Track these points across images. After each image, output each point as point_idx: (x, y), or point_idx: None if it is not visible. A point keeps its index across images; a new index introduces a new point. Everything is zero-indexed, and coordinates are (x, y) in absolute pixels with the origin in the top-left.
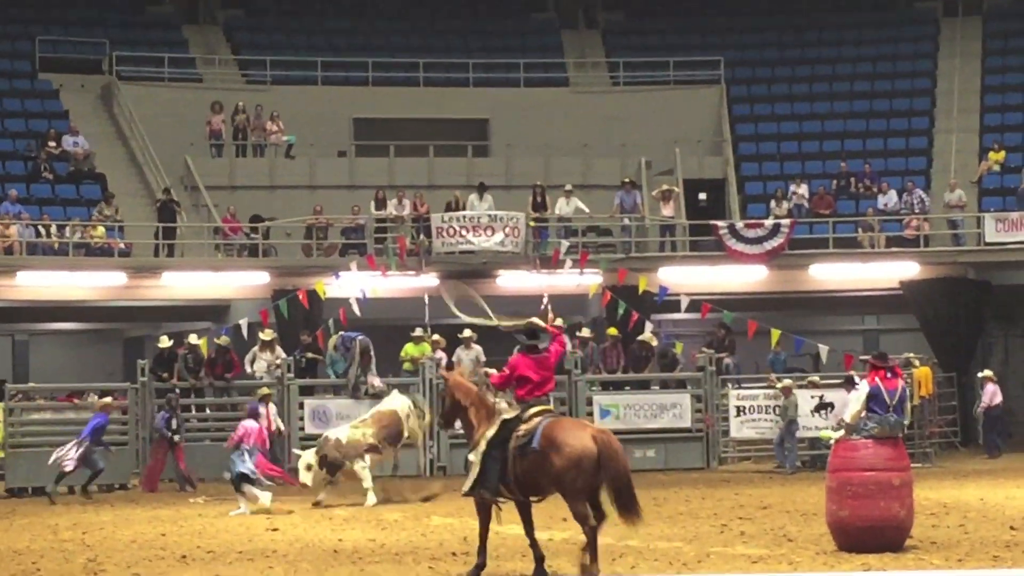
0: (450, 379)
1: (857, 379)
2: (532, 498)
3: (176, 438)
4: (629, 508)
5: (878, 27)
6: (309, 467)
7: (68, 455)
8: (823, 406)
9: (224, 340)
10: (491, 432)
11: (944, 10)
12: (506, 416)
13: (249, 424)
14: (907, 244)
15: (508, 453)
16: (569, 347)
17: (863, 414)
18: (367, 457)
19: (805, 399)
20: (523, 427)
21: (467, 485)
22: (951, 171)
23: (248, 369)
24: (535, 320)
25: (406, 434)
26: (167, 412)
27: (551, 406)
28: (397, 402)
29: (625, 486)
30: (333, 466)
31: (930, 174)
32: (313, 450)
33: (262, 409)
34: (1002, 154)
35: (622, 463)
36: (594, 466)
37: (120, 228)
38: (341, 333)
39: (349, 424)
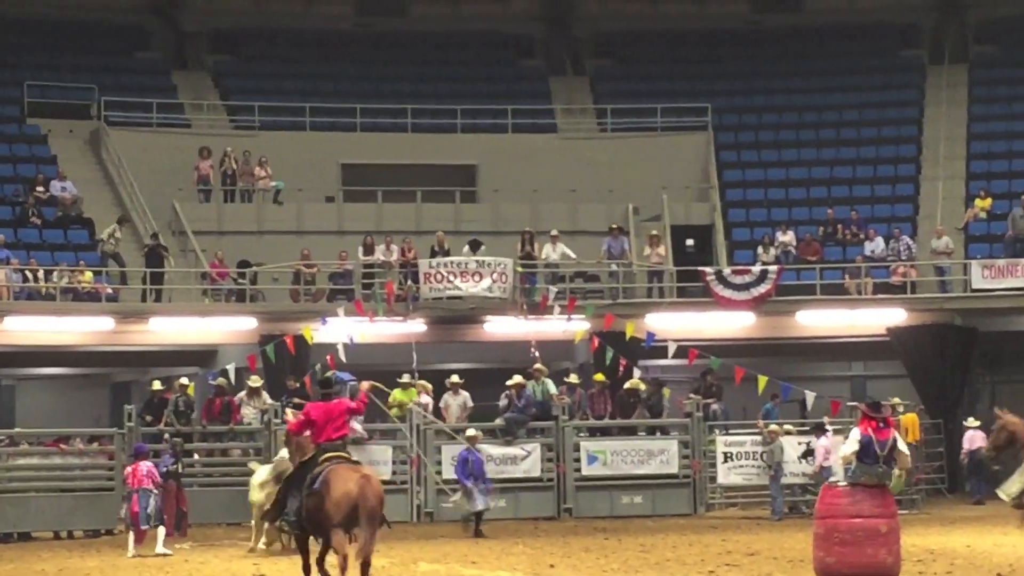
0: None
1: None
2: (313, 537)
3: (175, 484)
4: (365, 545)
5: (865, 74)
6: (263, 484)
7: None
8: (809, 452)
9: (222, 381)
10: (290, 471)
11: (930, 58)
12: (304, 459)
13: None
14: (894, 291)
15: (302, 492)
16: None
17: (852, 463)
18: None
19: (792, 445)
20: (316, 470)
21: (271, 514)
22: (938, 218)
23: (238, 415)
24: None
25: None
26: (171, 456)
27: (344, 451)
28: None
29: (373, 525)
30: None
31: (917, 221)
32: (270, 467)
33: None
34: (988, 201)
35: (373, 505)
36: (352, 506)
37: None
38: (336, 373)
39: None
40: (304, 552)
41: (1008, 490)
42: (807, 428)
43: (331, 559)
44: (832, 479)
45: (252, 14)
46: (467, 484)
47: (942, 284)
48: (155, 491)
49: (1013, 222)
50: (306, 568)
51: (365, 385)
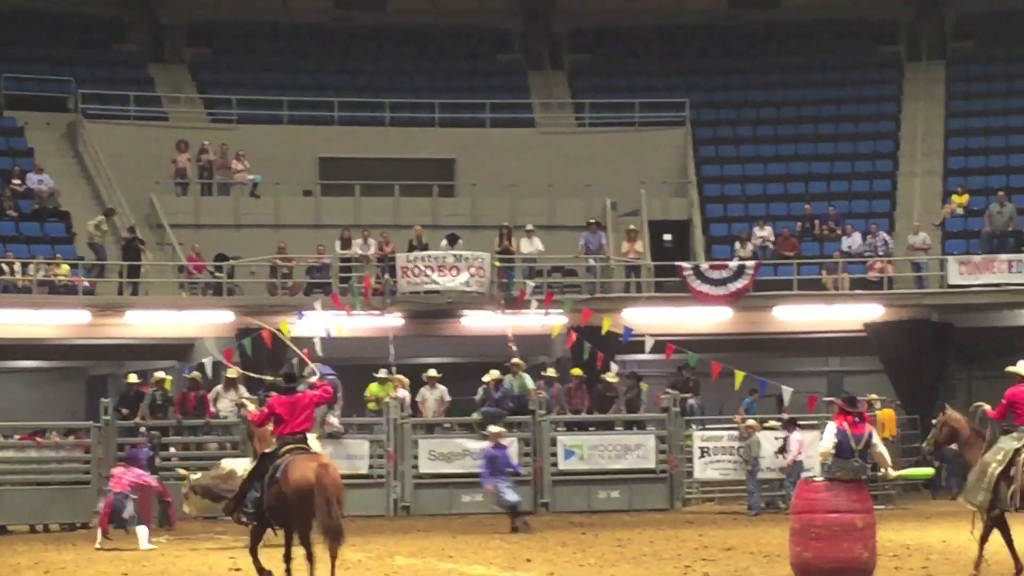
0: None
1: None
2: (278, 527)
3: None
4: (331, 529)
5: (842, 70)
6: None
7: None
8: (783, 448)
9: (196, 375)
10: (252, 465)
11: (907, 54)
12: (266, 451)
13: (116, 470)
14: (871, 286)
15: (264, 484)
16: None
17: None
18: None
19: (768, 440)
20: (277, 461)
21: (229, 506)
22: (915, 214)
23: (212, 408)
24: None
25: None
26: (149, 450)
27: (305, 444)
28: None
29: (331, 512)
30: (214, 495)
31: (894, 217)
32: (202, 474)
33: None
34: (965, 197)
35: (332, 491)
36: (310, 494)
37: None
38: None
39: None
40: (255, 544)
41: (974, 500)
42: (785, 423)
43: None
44: (805, 474)
45: (230, 7)
46: (488, 485)
47: (919, 280)
48: (133, 496)
49: (990, 218)
50: (256, 561)
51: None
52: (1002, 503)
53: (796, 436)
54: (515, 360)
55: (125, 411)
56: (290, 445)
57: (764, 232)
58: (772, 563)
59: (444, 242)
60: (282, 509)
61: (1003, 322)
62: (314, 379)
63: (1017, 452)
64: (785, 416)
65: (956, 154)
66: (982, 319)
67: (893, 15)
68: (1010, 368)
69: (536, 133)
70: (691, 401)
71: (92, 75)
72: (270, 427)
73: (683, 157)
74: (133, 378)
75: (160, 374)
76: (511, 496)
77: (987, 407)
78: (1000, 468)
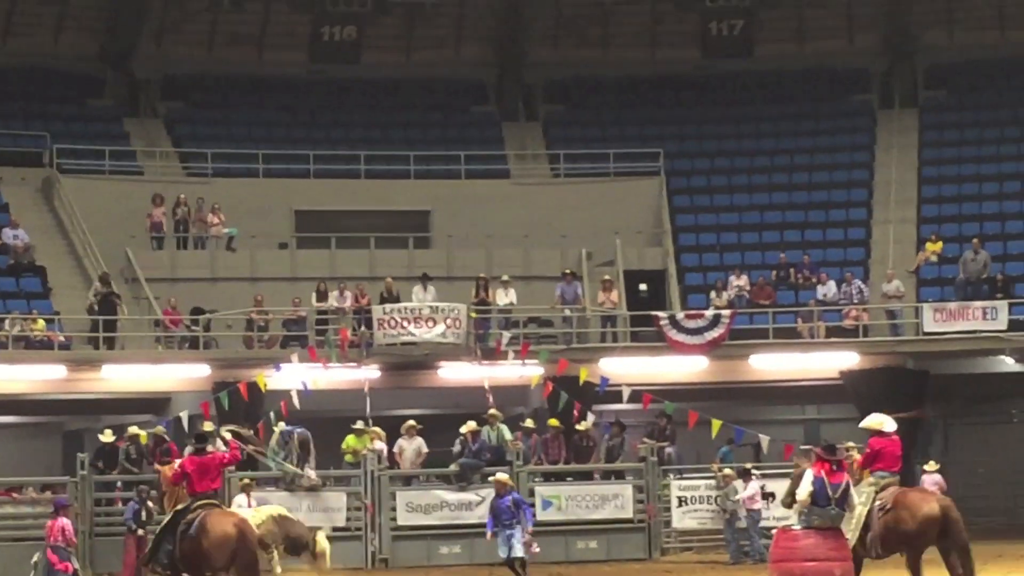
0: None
1: (754, 471)
2: None
3: (140, 532)
4: None
5: (816, 119)
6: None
7: None
8: (765, 496)
9: (160, 430)
10: (166, 519)
11: (880, 103)
12: (179, 507)
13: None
14: (846, 334)
15: (177, 538)
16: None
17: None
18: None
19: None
20: (190, 516)
21: (144, 559)
22: (889, 261)
23: None
24: (205, 429)
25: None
26: (136, 504)
27: (215, 500)
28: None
29: (250, 566)
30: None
31: (868, 264)
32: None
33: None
34: (939, 245)
35: (252, 547)
36: (232, 549)
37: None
38: (282, 426)
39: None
40: None
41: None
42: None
43: None
44: (765, 523)
45: (204, 61)
46: (492, 531)
47: (894, 327)
48: (70, 549)
49: (964, 265)
50: None
51: (224, 431)
52: (858, 550)
53: (753, 485)
54: (492, 411)
55: (101, 465)
56: (201, 502)
57: (740, 281)
58: None
59: (417, 287)
60: (196, 561)
61: (978, 369)
62: (227, 436)
63: (875, 497)
64: (763, 465)
65: (929, 202)
66: (957, 366)
67: (865, 64)
68: (865, 424)
69: (511, 184)
70: (668, 450)
71: (67, 130)
72: (183, 486)
73: (657, 207)
74: (108, 435)
75: (134, 428)
76: (502, 551)
77: (857, 456)
78: (866, 511)
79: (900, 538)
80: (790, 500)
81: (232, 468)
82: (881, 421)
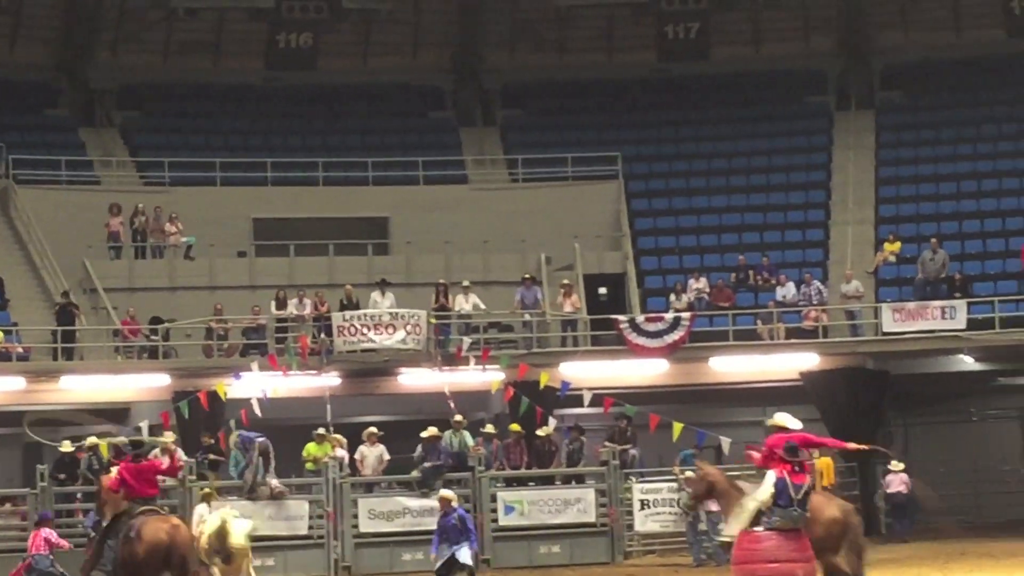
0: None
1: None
2: None
3: None
4: None
5: (773, 121)
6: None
7: None
8: None
9: (121, 440)
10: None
11: (837, 104)
12: (118, 512)
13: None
14: (806, 335)
15: (118, 542)
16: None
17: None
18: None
19: None
20: (132, 521)
21: (87, 566)
22: (848, 262)
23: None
24: (139, 437)
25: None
26: (96, 514)
27: (155, 506)
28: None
29: (183, 570)
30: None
31: (827, 265)
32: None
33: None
34: (897, 245)
35: (183, 552)
36: (164, 554)
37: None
38: (240, 432)
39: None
40: None
41: (730, 531)
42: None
43: None
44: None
45: (160, 70)
46: (435, 552)
47: (853, 328)
48: (50, 557)
49: (922, 265)
50: None
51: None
52: None
53: None
54: (457, 417)
55: (63, 476)
56: (140, 507)
57: (699, 284)
58: None
59: (375, 292)
60: (135, 565)
61: (937, 368)
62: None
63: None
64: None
65: (887, 202)
66: (917, 366)
67: (822, 66)
68: (771, 421)
69: (469, 189)
70: (632, 451)
71: (23, 140)
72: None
73: (616, 210)
74: (67, 446)
75: (92, 439)
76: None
77: (755, 455)
78: (757, 506)
79: None
80: (693, 503)
81: (193, 479)
82: (784, 419)
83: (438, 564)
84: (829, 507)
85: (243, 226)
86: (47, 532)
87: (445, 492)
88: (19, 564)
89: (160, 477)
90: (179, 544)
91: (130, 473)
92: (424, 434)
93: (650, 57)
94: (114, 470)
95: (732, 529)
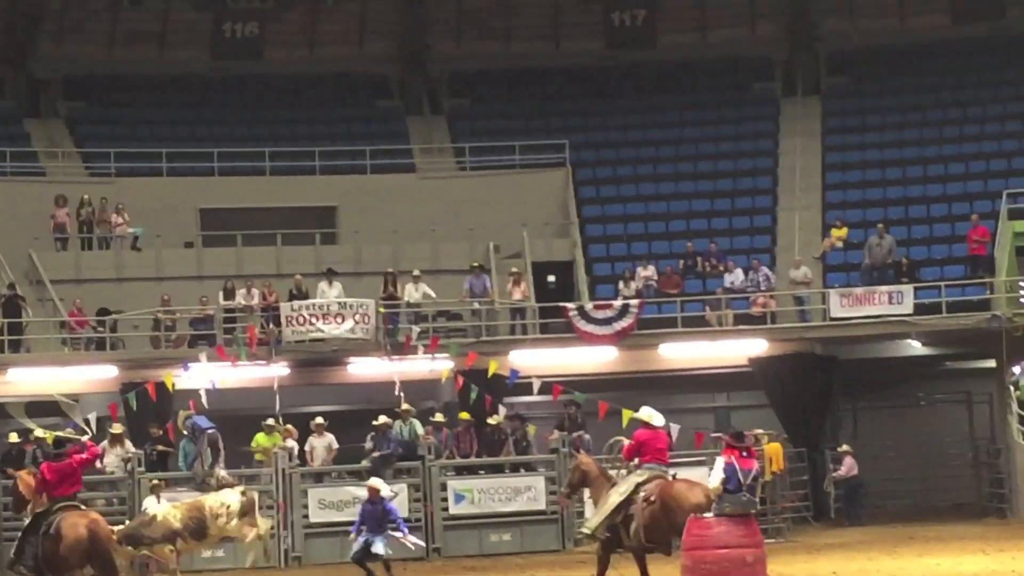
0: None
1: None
2: None
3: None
4: None
5: (719, 108)
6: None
7: None
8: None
9: (68, 432)
10: (28, 521)
11: (783, 90)
12: (38, 511)
13: None
14: (754, 321)
15: (39, 539)
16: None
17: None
18: (178, 542)
19: None
20: (51, 518)
21: (10, 562)
22: (795, 248)
23: (97, 464)
24: (61, 434)
25: (212, 532)
26: (12, 509)
27: (75, 502)
28: (212, 498)
29: (105, 564)
30: (137, 541)
31: (775, 252)
32: (126, 524)
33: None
34: (844, 230)
35: (104, 546)
36: (85, 549)
37: None
38: (192, 416)
39: (171, 504)
40: None
41: (589, 525)
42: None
43: None
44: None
45: (105, 60)
46: (355, 532)
47: (802, 314)
48: None
49: (869, 251)
50: None
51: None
52: (624, 540)
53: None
54: (405, 406)
55: (9, 470)
56: (60, 504)
57: (647, 272)
58: None
59: (323, 282)
60: (55, 562)
61: (885, 353)
62: (85, 438)
63: (638, 488)
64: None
65: (834, 188)
66: (865, 351)
67: (768, 52)
68: (636, 415)
69: (417, 178)
70: (586, 436)
71: None
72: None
73: (564, 198)
74: (14, 437)
75: (39, 431)
76: (355, 550)
77: (624, 441)
78: (620, 500)
79: (668, 528)
80: (568, 491)
81: (142, 470)
82: (650, 414)
83: (353, 551)
84: (693, 493)
85: (190, 216)
86: None
87: (374, 481)
88: None
89: (101, 466)
90: (99, 539)
91: (52, 473)
92: (376, 422)
93: (597, 45)
94: (34, 471)
95: (593, 522)
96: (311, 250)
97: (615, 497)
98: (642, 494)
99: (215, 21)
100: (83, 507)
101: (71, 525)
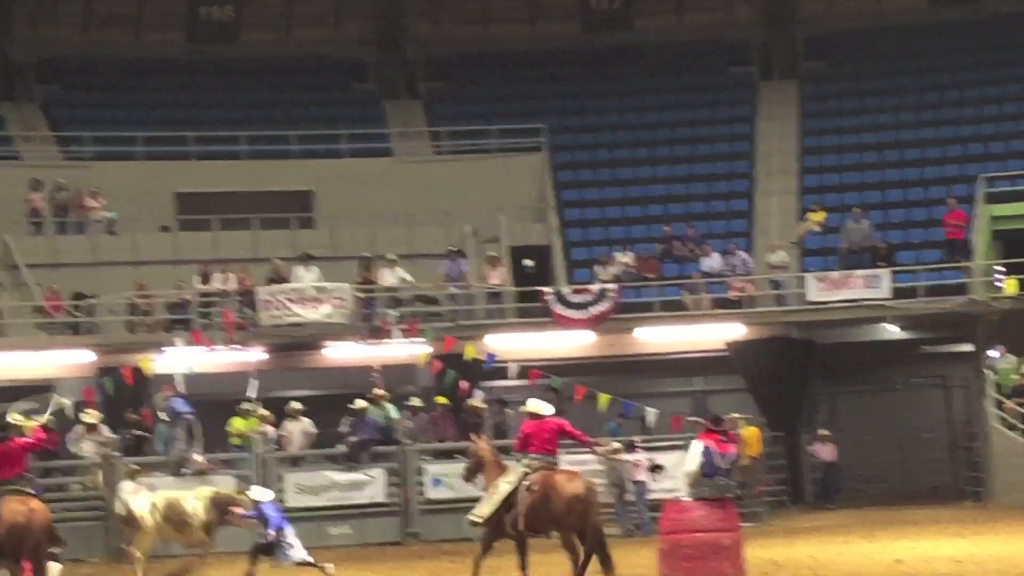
0: None
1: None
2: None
3: None
4: (40, 568)
5: (696, 91)
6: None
7: None
8: (654, 468)
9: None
10: None
11: (760, 74)
12: None
13: None
14: (732, 305)
15: None
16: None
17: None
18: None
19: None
20: None
21: None
22: (773, 232)
23: (73, 449)
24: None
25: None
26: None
27: (19, 487)
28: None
29: (34, 549)
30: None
31: (752, 236)
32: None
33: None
34: (822, 215)
35: (39, 536)
36: (21, 533)
37: None
38: (170, 399)
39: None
40: None
41: (479, 512)
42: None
43: None
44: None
45: (80, 43)
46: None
47: (779, 298)
48: None
49: (846, 234)
50: None
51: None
52: (504, 526)
53: (637, 458)
54: (377, 391)
55: None
56: (4, 488)
57: (625, 258)
58: None
59: (299, 266)
60: None
61: (862, 337)
62: (34, 423)
63: (525, 477)
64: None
65: (811, 172)
66: (842, 335)
67: (745, 36)
68: (524, 407)
69: (394, 162)
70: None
71: None
72: None
73: (541, 182)
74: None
75: (15, 416)
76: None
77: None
78: (510, 488)
79: (548, 517)
80: (466, 475)
81: (119, 455)
82: (538, 406)
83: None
84: (572, 484)
85: (166, 201)
86: None
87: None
88: None
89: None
90: (35, 528)
91: None
92: (353, 406)
93: (574, 28)
94: None
95: (482, 510)
96: (287, 234)
97: (504, 486)
98: (526, 483)
99: (191, 4)
100: (30, 492)
101: (10, 511)
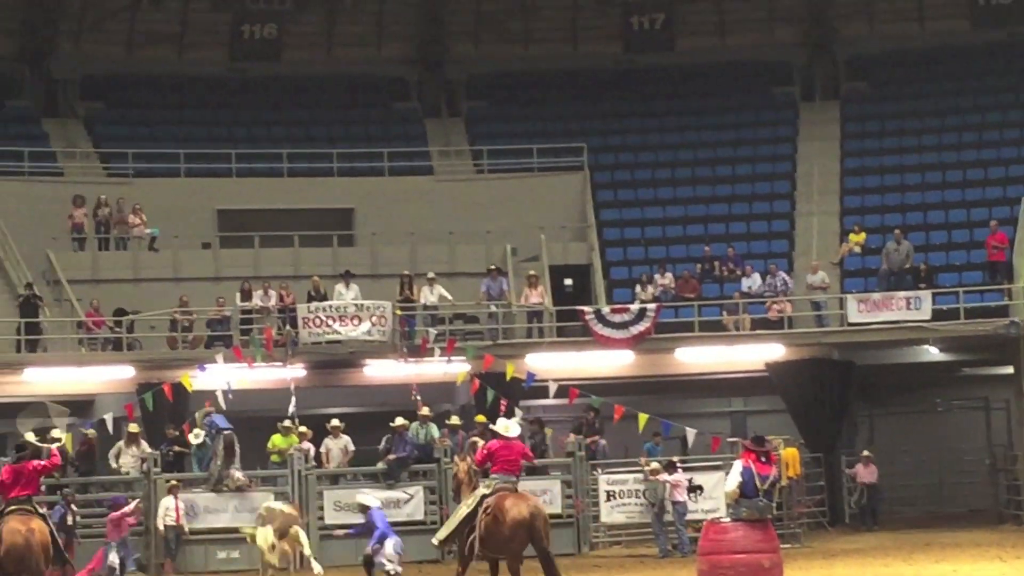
0: None
1: (679, 463)
2: None
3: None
4: None
5: (738, 112)
6: (273, 546)
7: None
8: (693, 488)
9: (91, 432)
10: None
11: (802, 95)
12: None
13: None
14: (772, 326)
15: None
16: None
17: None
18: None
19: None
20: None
21: None
22: (813, 253)
23: (113, 464)
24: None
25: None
26: (62, 508)
27: (28, 506)
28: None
29: (32, 571)
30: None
31: (792, 256)
32: (269, 528)
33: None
34: (862, 236)
35: (36, 558)
36: (20, 554)
37: None
38: (210, 414)
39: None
40: None
41: (439, 534)
42: (692, 465)
43: None
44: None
45: (124, 60)
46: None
47: (819, 319)
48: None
49: (887, 256)
50: None
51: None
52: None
53: (677, 478)
54: (424, 410)
55: None
56: (12, 507)
57: (665, 280)
58: None
59: (340, 284)
60: None
61: (902, 359)
62: (54, 445)
63: (483, 500)
64: (690, 459)
65: (852, 193)
66: (882, 356)
67: (787, 56)
68: (494, 426)
69: (434, 181)
70: (602, 442)
71: None
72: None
73: (582, 202)
74: (30, 437)
75: (56, 432)
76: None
77: (480, 443)
78: (468, 511)
79: (497, 540)
80: (454, 495)
81: (158, 471)
82: (506, 425)
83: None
84: (517, 507)
85: (207, 217)
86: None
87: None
88: None
89: (117, 466)
90: (33, 550)
91: (8, 474)
92: (393, 423)
93: (615, 48)
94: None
95: (442, 533)
96: (328, 252)
97: (463, 509)
98: (485, 505)
99: (234, 22)
100: (36, 510)
101: (10, 530)
